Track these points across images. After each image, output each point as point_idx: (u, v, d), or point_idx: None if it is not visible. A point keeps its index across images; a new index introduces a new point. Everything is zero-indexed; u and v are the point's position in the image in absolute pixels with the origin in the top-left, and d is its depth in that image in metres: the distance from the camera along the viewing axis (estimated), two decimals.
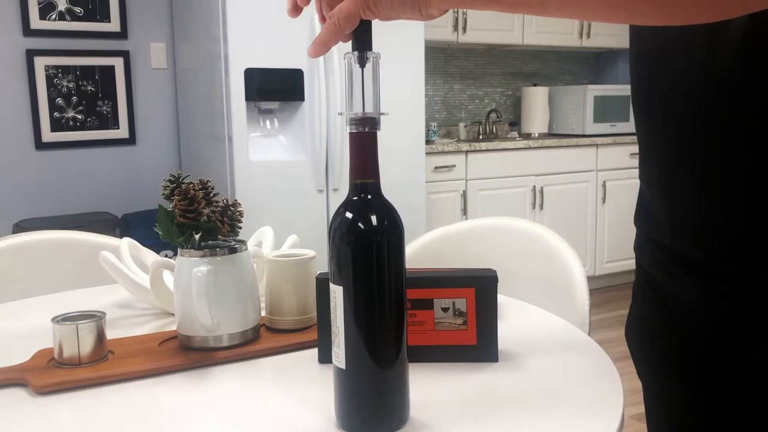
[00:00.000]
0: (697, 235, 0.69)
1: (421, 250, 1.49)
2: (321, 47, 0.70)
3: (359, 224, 0.66)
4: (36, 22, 3.30)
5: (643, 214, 0.80)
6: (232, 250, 0.94)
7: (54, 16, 3.33)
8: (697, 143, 0.67)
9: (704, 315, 0.72)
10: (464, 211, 3.84)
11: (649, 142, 0.75)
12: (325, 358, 0.89)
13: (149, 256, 1.22)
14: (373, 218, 0.67)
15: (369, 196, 0.68)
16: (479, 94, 4.67)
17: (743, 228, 0.63)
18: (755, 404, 0.69)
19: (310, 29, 3.06)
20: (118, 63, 3.48)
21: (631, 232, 0.84)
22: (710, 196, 0.67)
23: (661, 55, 0.69)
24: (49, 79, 3.35)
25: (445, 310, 0.87)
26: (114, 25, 3.46)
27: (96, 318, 0.89)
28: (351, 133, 0.67)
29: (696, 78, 0.65)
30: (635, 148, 0.92)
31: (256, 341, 0.96)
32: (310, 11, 3.05)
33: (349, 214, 0.67)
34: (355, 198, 0.68)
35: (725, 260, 0.68)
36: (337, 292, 0.68)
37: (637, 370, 0.86)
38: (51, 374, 0.85)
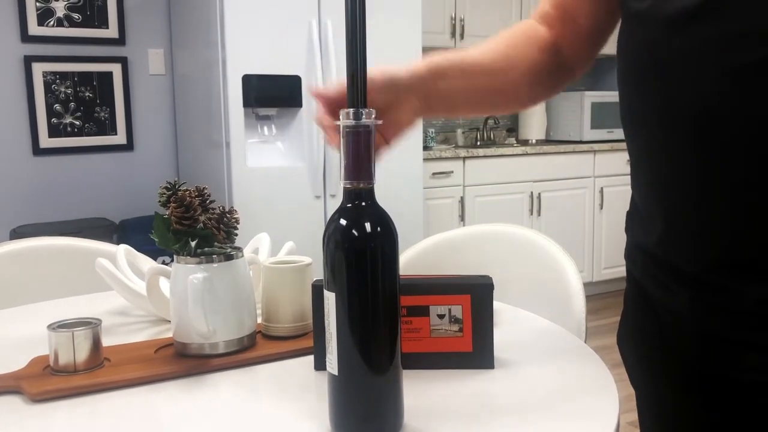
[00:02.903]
0: (690, 245, 0.69)
1: (418, 256, 1.49)
2: None
3: (353, 231, 0.66)
4: (34, 29, 3.30)
5: (635, 223, 0.80)
6: (228, 257, 0.94)
7: (52, 23, 3.33)
8: (697, 155, 0.66)
9: (695, 325, 0.72)
10: (462, 218, 3.84)
11: (642, 154, 0.75)
12: (321, 365, 0.89)
13: (145, 262, 1.22)
14: (367, 225, 0.67)
15: (363, 203, 0.68)
16: None
17: (737, 239, 0.63)
18: (747, 414, 0.69)
19: (308, 36, 3.07)
20: (116, 69, 3.48)
21: None
22: (705, 207, 0.66)
23: (656, 70, 0.69)
24: (47, 85, 3.35)
25: (441, 317, 0.87)
26: (112, 32, 3.46)
27: (92, 325, 0.89)
28: (345, 139, 0.67)
29: (702, 93, 0.64)
30: None
31: (252, 348, 0.96)
32: (307, 17, 3.06)
33: (343, 221, 0.67)
34: (349, 205, 0.68)
35: (717, 271, 0.68)
36: (330, 299, 0.68)
37: (629, 378, 0.86)
38: (46, 382, 0.85)
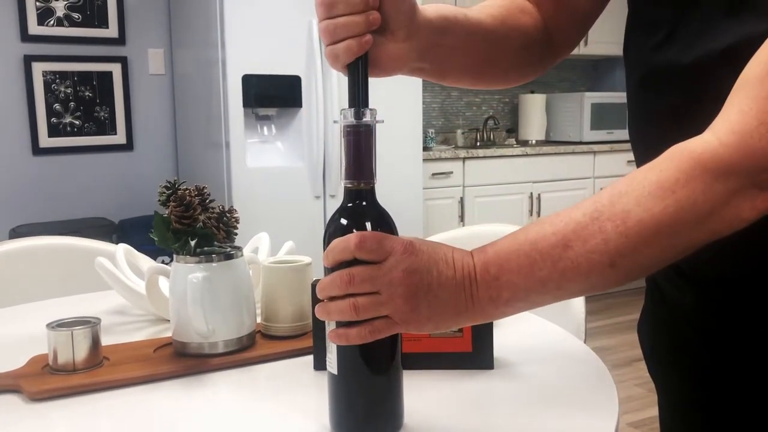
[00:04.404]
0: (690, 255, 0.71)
1: None
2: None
3: (353, 230, 0.66)
4: (34, 28, 3.30)
5: None
6: (228, 257, 0.94)
7: (52, 22, 3.33)
8: None
9: (698, 321, 0.74)
10: (461, 218, 3.84)
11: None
12: (320, 365, 0.89)
13: (145, 262, 1.22)
14: (368, 225, 0.67)
15: (363, 203, 0.68)
16: (477, 101, 4.67)
17: (733, 248, 0.64)
18: (753, 409, 0.71)
19: (308, 36, 3.07)
20: (115, 69, 3.48)
21: None
22: None
23: (670, 79, 0.71)
24: (47, 85, 3.35)
25: None
26: (112, 31, 3.46)
27: (91, 324, 0.89)
28: (346, 138, 0.67)
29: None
30: (632, 155, 0.93)
31: (251, 348, 0.96)
32: (307, 17, 3.06)
33: (343, 221, 0.67)
34: (350, 204, 0.68)
35: (716, 269, 0.69)
36: None
37: (647, 365, 0.88)
38: (45, 381, 0.84)
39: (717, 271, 0.70)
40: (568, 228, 0.60)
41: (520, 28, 0.86)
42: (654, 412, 0.91)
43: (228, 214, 0.97)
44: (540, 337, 1.02)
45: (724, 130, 0.57)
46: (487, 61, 0.85)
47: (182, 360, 0.91)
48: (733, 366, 0.72)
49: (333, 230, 0.67)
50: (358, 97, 0.67)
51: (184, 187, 0.96)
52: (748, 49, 0.59)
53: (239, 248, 0.97)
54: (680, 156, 0.58)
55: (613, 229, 0.58)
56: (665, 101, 0.71)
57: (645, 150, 0.71)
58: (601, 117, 4.36)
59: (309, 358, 0.92)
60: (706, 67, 0.66)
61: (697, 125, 0.60)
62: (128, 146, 3.57)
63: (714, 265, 0.69)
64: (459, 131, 4.50)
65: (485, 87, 0.91)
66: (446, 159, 3.76)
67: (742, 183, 0.56)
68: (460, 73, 0.85)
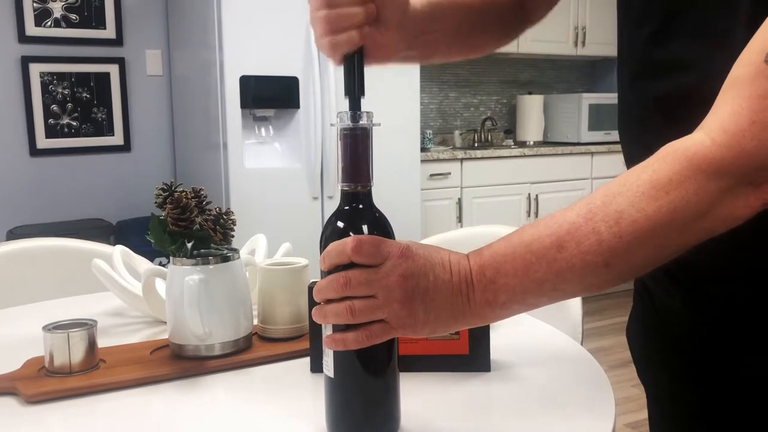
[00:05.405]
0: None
1: None
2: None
3: (350, 234, 0.66)
4: (31, 29, 3.30)
5: None
6: (225, 259, 0.94)
7: (49, 23, 3.33)
8: None
9: (689, 322, 0.74)
10: (459, 219, 3.84)
11: (633, 159, 0.77)
12: (317, 367, 0.89)
13: (142, 263, 1.22)
14: (364, 228, 0.67)
15: (360, 206, 0.68)
16: (474, 102, 4.68)
17: (725, 246, 0.64)
18: (744, 408, 0.71)
19: (306, 37, 3.07)
20: (113, 70, 3.48)
21: None
22: None
23: (662, 78, 0.71)
24: (44, 86, 3.34)
25: None
26: (109, 32, 3.46)
27: (87, 326, 0.89)
28: (343, 141, 0.67)
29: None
30: None
31: (248, 350, 0.95)
32: (304, 18, 3.06)
33: (340, 224, 0.67)
34: (347, 207, 0.68)
35: (706, 270, 0.70)
36: None
37: (636, 368, 0.88)
38: (41, 383, 0.84)
39: (706, 272, 0.70)
40: (562, 229, 0.60)
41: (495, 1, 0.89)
42: None
43: (225, 216, 0.97)
44: (537, 338, 1.02)
45: (716, 129, 0.57)
46: (467, 38, 0.88)
47: (179, 362, 0.91)
48: (723, 367, 0.72)
49: (330, 233, 0.67)
50: (356, 87, 0.68)
51: (181, 189, 0.96)
52: (744, 42, 0.59)
53: (236, 250, 0.97)
54: (673, 156, 0.58)
55: (607, 229, 0.58)
56: (658, 96, 0.71)
57: (636, 148, 0.70)
58: (599, 118, 4.37)
59: (306, 360, 0.92)
60: (700, 60, 0.66)
61: (690, 121, 0.60)
62: (126, 147, 3.56)
63: (703, 266, 0.69)
64: (457, 132, 4.50)
65: (461, 59, 0.93)
66: (444, 160, 3.76)
67: (735, 182, 0.56)
68: (443, 56, 0.89)
